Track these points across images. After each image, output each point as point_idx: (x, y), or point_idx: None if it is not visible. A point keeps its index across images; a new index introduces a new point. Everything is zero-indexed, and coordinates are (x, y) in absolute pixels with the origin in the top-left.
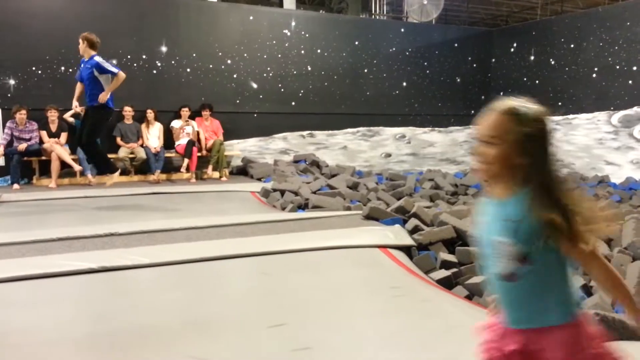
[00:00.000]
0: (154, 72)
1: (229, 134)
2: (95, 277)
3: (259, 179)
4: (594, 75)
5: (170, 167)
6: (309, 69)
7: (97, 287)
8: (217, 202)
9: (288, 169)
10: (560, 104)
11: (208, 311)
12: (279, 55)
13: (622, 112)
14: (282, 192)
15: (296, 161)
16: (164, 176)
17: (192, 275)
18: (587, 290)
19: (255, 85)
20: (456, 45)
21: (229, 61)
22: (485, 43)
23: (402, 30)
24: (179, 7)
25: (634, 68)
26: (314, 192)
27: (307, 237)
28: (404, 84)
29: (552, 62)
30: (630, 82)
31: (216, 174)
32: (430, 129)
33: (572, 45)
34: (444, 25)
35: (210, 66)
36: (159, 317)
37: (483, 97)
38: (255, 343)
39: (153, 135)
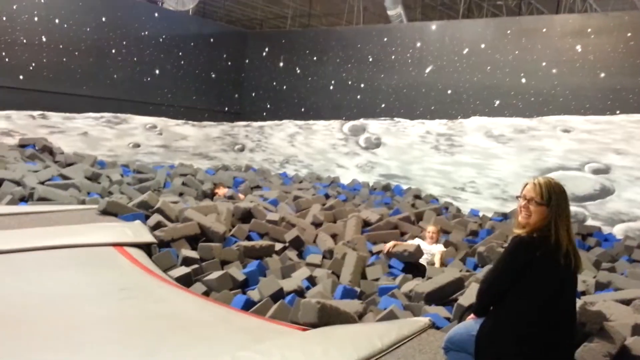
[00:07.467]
0: None
1: None
2: None
3: None
4: (331, 87)
5: None
6: (44, 39)
7: None
8: None
9: (10, 154)
10: (303, 109)
11: None
12: (4, 18)
13: (351, 122)
14: (0, 182)
15: (22, 145)
16: None
17: None
18: (312, 281)
19: None
20: (212, 40)
21: None
22: (240, 43)
23: (156, 15)
24: None
25: (362, 85)
26: (42, 183)
27: (23, 235)
28: (157, 71)
29: (298, 71)
30: (358, 96)
31: None
32: (183, 121)
33: (314, 58)
34: (201, 19)
35: None
36: None
37: (237, 95)
38: None
39: None
